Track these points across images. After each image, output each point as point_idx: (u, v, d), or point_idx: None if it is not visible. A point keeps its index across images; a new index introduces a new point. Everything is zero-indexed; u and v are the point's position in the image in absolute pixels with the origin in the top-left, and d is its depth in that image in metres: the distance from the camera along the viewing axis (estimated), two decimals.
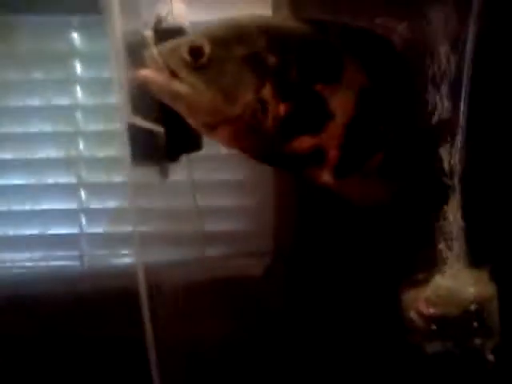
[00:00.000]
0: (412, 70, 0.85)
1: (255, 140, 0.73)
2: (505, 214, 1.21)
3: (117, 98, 0.79)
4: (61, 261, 1.35)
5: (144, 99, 0.80)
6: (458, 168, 1.10)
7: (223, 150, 1.30)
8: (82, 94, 1.32)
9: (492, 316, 1.08)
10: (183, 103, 0.71)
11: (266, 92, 0.70)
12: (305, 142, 0.73)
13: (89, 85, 1.32)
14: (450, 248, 1.13)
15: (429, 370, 1.08)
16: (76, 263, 1.36)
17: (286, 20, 0.76)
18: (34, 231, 1.32)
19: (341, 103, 0.73)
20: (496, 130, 1.17)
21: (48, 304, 1.26)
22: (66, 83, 1.31)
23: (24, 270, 1.33)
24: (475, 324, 1.06)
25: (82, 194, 1.35)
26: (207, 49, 0.70)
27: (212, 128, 0.73)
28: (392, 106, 0.79)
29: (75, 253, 1.35)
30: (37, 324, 1.26)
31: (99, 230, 1.36)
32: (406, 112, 0.84)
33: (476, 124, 1.06)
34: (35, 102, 1.29)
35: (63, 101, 1.30)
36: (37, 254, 1.33)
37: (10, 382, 1.25)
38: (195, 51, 0.69)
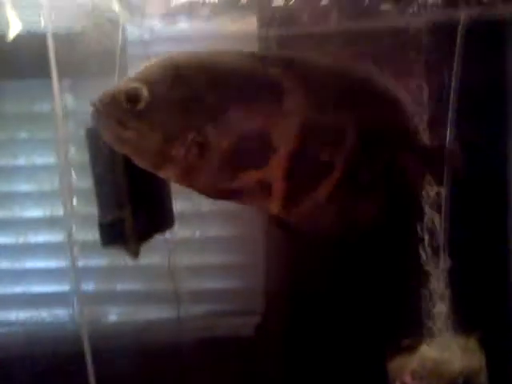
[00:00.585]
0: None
1: (202, 177, 0.74)
2: (491, 280, 1.18)
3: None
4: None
5: (111, 183, 0.79)
6: (442, 237, 1.08)
7: (212, 207, 1.32)
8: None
9: None
10: (130, 147, 0.72)
11: (207, 131, 0.71)
12: (250, 177, 0.74)
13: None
14: (436, 316, 1.10)
15: None
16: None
17: (224, 55, 0.75)
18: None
19: (283, 135, 0.73)
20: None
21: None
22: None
23: None
24: None
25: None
26: (145, 93, 0.70)
27: (159, 167, 0.74)
28: (339, 132, 0.76)
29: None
30: None
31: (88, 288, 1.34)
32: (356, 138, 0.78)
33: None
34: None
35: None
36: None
37: None
38: (133, 97, 0.70)
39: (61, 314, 1.34)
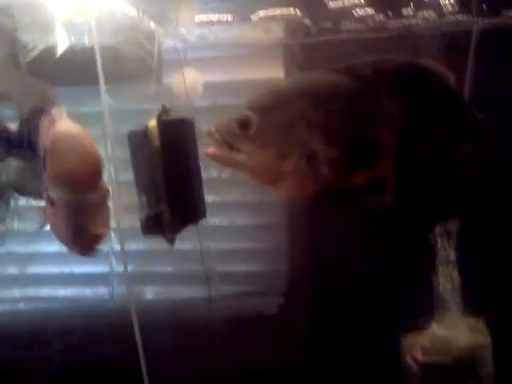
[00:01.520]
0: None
1: (315, 186, 0.81)
2: (500, 267, 1.26)
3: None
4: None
5: (150, 181, 0.91)
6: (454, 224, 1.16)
7: (241, 198, 1.44)
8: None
9: (484, 365, 1.14)
10: (245, 169, 0.81)
11: (314, 144, 0.78)
12: (361, 176, 0.80)
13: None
14: (447, 298, 1.19)
15: None
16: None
17: (320, 75, 0.83)
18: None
19: (385, 136, 0.79)
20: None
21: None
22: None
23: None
24: (468, 372, 1.13)
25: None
26: (254, 120, 0.79)
27: (275, 183, 0.82)
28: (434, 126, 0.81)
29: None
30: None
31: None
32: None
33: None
34: None
35: None
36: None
37: None
38: (244, 124, 0.79)
39: (102, 291, 1.49)
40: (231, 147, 0.79)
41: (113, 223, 1.17)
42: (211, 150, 0.79)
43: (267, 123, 0.79)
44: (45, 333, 1.43)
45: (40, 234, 1.37)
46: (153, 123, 0.92)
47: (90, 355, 1.42)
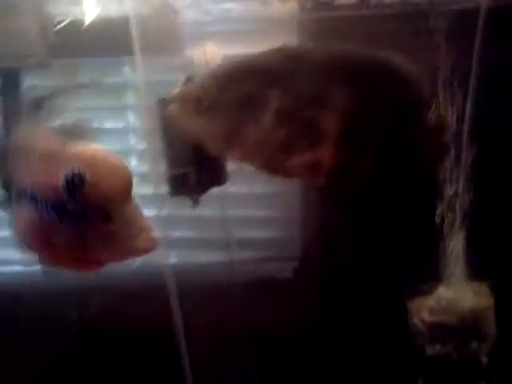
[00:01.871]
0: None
1: (263, 158, 0.89)
2: (504, 234, 1.33)
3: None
4: None
5: (179, 145, 0.98)
6: (460, 190, 1.23)
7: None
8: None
9: (487, 325, 1.22)
10: (200, 135, 0.89)
11: (266, 121, 0.84)
12: (302, 158, 0.86)
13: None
14: (453, 263, 1.26)
15: (429, 370, 1.24)
16: None
17: (265, 55, 0.88)
18: None
19: (330, 123, 0.84)
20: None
21: None
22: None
23: None
24: (471, 331, 1.20)
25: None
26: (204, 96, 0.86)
27: (225, 151, 0.92)
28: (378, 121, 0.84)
29: None
30: None
31: None
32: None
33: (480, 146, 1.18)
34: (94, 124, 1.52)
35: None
36: None
37: None
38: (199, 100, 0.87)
39: None
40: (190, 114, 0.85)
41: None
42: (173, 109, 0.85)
43: (221, 99, 0.85)
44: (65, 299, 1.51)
45: None
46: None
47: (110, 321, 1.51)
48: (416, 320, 1.25)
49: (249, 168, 1.48)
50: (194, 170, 1.00)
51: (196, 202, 1.06)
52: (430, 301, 1.25)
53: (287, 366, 1.49)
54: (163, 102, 0.99)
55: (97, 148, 0.80)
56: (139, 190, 1.48)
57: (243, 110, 0.85)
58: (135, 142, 1.55)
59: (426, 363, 1.24)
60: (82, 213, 0.78)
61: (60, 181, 0.78)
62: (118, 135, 1.54)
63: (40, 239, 0.81)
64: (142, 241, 0.80)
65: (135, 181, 1.53)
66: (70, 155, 0.78)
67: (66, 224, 0.79)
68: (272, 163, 0.88)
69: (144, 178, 1.54)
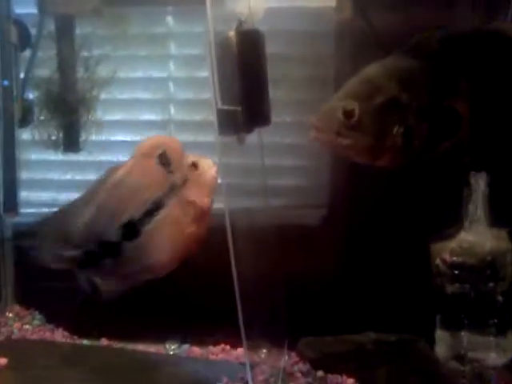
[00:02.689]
0: None
1: (408, 159, 0.99)
2: None
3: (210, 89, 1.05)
4: None
5: (228, 87, 1.08)
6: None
7: (291, 119, 1.59)
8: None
9: (504, 266, 1.32)
10: (351, 151, 0.99)
11: (409, 121, 0.94)
12: (447, 144, 0.99)
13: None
14: (475, 210, 1.36)
15: (447, 307, 1.35)
16: None
17: (398, 59, 0.98)
18: None
19: (461, 105, 0.95)
20: None
21: None
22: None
23: None
24: (489, 272, 1.31)
25: None
26: (357, 110, 0.95)
27: (376, 160, 1.00)
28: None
29: None
30: None
31: None
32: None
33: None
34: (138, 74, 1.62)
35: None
36: None
37: None
38: (348, 114, 0.96)
39: None
40: (338, 134, 0.94)
41: None
42: (317, 136, 0.95)
43: (366, 110, 0.94)
44: None
45: None
46: (232, 33, 1.09)
47: None
48: (438, 261, 1.35)
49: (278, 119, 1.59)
50: (241, 111, 1.09)
51: (242, 141, 1.16)
52: (452, 244, 1.35)
53: (312, 310, 1.57)
54: (219, 44, 1.08)
55: None
56: (179, 137, 1.62)
57: (387, 117, 0.95)
58: (175, 91, 1.65)
59: (444, 301, 1.35)
60: None
61: None
62: (161, 83, 1.63)
63: None
64: None
65: (175, 128, 1.66)
66: None
67: None
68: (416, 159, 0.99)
69: (184, 125, 1.67)
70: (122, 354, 1.52)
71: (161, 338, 1.60)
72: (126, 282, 1.08)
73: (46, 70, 1.52)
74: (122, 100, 1.64)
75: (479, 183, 1.34)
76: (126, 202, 0.98)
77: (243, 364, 1.42)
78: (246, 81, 1.09)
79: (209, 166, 1.12)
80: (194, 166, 1.10)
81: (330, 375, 1.37)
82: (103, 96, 1.57)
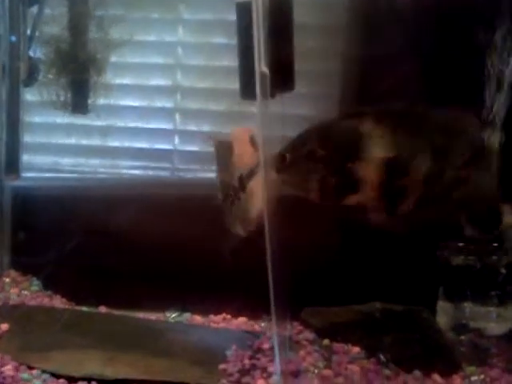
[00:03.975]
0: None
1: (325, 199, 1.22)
2: None
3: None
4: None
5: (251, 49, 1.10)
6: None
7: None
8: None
9: (509, 240, 1.39)
10: (287, 186, 1.22)
11: (321, 173, 1.19)
12: (352, 199, 1.20)
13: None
14: None
15: (451, 279, 1.41)
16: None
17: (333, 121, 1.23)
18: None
19: (368, 171, 1.17)
20: None
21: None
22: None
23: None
24: (495, 244, 1.38)
25: (177, 117, 1.70)
26: (288, 157, 1.21)
27: (306, 196, 1.23)
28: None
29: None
30: None
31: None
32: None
33: None
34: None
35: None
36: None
37: None
38: (283, 158, 1.21)
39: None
40: (278, 171, 1.22)
41: None
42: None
43: (295, 157, 1.20)
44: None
45: None
46: None
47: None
48: None
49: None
50: (264, 76, 1.11)
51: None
52: None
53: (314, 281, 1.56)
54: (240, 6, 1.10)
55: None
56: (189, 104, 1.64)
57: (307, 165, 1.21)
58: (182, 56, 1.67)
59: (448, 273, 1.41)
60: None
61: None
62: (173, 47, 1.65)
63: None
64: None
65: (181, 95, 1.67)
66: None
67: None
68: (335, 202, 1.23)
69: (190, 92, 1.68)
70: (125, 321, 1.53)
71: (159, 306, 1.62)
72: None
73: (56, 28, 1.51)
74: (133, 63, 1.65)
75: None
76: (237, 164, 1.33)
77: (248, 332, 1.49)
78: (270, 44, 1.11)
79: None
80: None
81: (335, 344, 1.41)
82: (113, 58, 1.58)
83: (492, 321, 1.39)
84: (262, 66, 1.05)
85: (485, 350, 1.38)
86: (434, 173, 1.18)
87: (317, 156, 1.19)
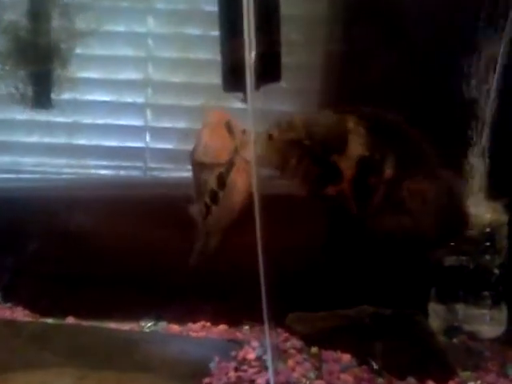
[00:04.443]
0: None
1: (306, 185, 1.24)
2: None
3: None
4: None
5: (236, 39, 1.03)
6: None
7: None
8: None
9: (502, 239, 1.36)
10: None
11: (305, 162, 1.21)
12: (331, 189, 1.22)
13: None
14: (474, 182, 1.39)
15: (443, 280, 1.37)
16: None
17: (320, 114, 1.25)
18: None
19: (345, 165, 1.20)
20: None
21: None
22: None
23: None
24: (487, 244, 1.34)
25: (149, 113, 1.62)
26: (275, 135, 1.22)
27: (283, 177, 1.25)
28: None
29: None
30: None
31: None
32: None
33: None
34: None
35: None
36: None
37: None
38: (270, 136, 1.21)
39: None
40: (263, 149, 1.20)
41: None
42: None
43: (280, 138, 1.21)
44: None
45: None
46: None
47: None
48: None
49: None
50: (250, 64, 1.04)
51: (245, 101, 1.11)
52: None
53: (296, 285, 1.53)
54: None
55: None
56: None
57: (293, 151, 1.22)
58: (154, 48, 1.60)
59: (440, 274, 1.38)
60: None
61: None
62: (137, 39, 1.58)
63: None
64: None
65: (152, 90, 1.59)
66: None
67: None
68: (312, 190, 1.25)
69: (162, 86, 1.59)
70: (96, 332, 1.42)
71: (133, 315, 1.53)
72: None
73: (14, 14, 1.40)
74: (101, 55, 1.56)
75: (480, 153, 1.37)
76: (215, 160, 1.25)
77: (231, 341, 1.41)
78: (261, 31, 1.04)
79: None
80: (244, 131, 1.24)
81: (324, 351, 1.35)
82: (79, 50, 1.48)
83: (485, 323, 1.36)
84: (252, 56, 0.96)
85: (479, 354, 1.35)
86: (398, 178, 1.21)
87: (303, 145, 1.21)
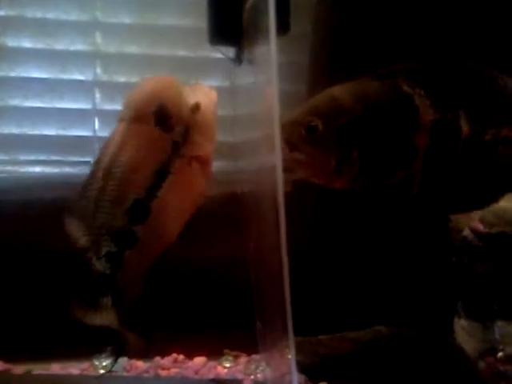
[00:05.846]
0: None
1: (363, 184, 1.02)
2: None
3: None
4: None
5: None
6: None
7: None
8: None
9: None
10: (305, 168, 0.99)
11: (369, 147, 0.99)
12: (399, 175, 1.01)
13: None
14: None
15: (474, 290, 1.18)
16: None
17: (365, 82, 1.02)
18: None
19: (420, 138, 1.00)
20: None
21: None
22: None
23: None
24: None
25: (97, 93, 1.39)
26: (320, 127, 0.97)
27: (331, 183, 1.01)
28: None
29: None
30: None
31: None
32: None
33: None
34: None
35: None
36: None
37: None
38: (311, 129, 0.97)
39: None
40: (293, 147, 0.97)
41: None
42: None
43: (329, 129, 0.97)
44: None
45: None
46: None
47: None
48: (466, 232, 1.19)
49: None
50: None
51: (239, 57, 0.97)
52: (481, 212, 1.19)
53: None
54: None
55: None
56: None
57: (349, 139, 0.99)
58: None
59: (471, 283, 1.19)
60: None
61: None
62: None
63: None
64: None
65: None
66: None
67: None
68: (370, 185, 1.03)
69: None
70: (36, 381, 1.18)
71: (81, 351, 1.27)
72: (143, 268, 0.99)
73: None
74: (37, 18, 1.31)
75: None
76: (127, 183, 0.94)
77: (216, 381, 1.18)
78: None
79: (206, 95, 0.98)
80: (197, 107, 0.96)
81: None
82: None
83: None
84: None
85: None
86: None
87: (364, 126, 0.99)
